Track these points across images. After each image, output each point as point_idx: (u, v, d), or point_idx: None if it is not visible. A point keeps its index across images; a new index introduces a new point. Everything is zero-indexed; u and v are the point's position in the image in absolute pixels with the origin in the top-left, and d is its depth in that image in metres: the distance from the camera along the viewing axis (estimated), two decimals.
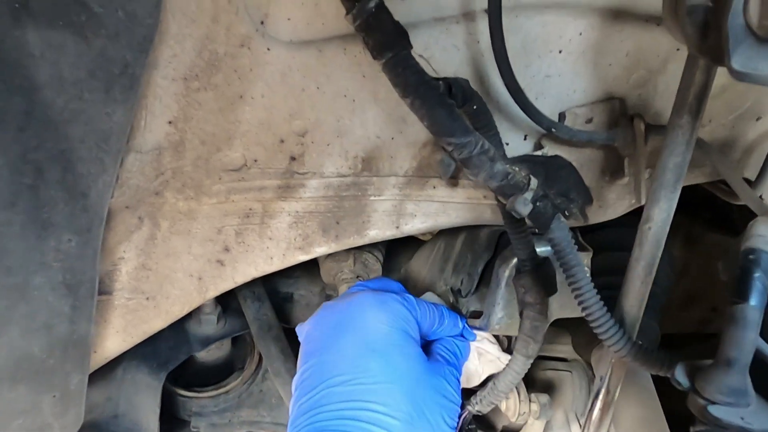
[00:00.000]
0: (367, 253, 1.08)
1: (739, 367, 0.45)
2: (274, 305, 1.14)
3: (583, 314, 0.62)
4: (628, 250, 0.83)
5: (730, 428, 0.44)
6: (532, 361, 0.74)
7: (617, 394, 0.69)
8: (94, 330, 0.86)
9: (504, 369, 0.76)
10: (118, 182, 0.74)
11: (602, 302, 0.62)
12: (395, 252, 1.27)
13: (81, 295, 0.78)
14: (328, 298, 1.21)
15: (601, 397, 0.69)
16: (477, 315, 0.86)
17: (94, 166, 0.68)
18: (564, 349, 1.18)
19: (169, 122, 0.71)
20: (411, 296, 0.78)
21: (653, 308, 1.04)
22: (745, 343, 0.45)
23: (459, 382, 0.76)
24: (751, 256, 0.47)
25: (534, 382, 1.18)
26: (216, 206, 0.80)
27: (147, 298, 0.87)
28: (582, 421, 1.17)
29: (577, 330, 1.09)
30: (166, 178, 0.76)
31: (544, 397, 0.94)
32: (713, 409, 0.45)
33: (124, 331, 0.89)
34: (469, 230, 0.91)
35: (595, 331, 0.62)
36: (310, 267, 1.21)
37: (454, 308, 0.93)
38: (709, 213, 1.39)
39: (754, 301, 0.46)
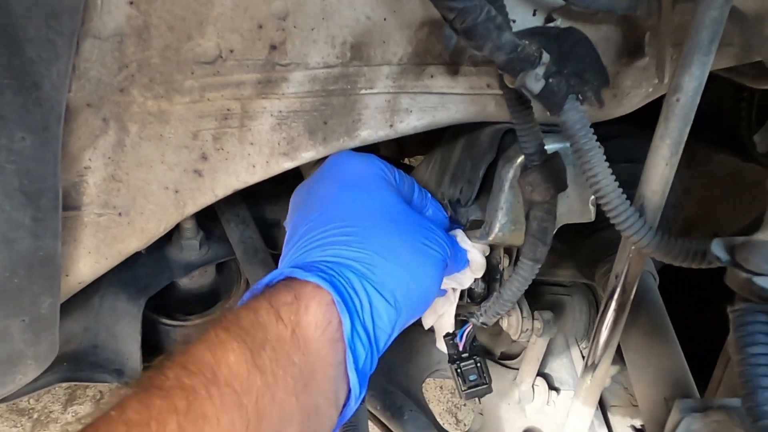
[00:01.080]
0: None
1: None
2: (261, 232, 1.08)
3: (599, 202, 0.56)
4: (638, 162, 0.76)
5: None
6: (539, 266, 0.68)
7: (633, 294, 0.64)
8: (64, 250, 0.79)
9: (510, 276, 0.71)
10: (75, 73, 0.65)
11: (621, 189, 0.56)
12: None
13: (43, 206, 0.71)
14: None
15: (616, 296, 0.63)
16: (478, 225, 0.80)
17: (44, 49, 0.60)
18: (565, 273, 1.13)
19: (130, 2, 0.62)
20: (395, 168, 0.77)
21: (661, 222, 0.99)
22: None
23: (445, 240, 0.72)
24: None
25: (533, 307, 1.14)
26: (190, 106, 0.72)
27: (119, 214, 0.79)
28: (584, 344, 1.13)
29: (580, 249, 1.04)
30: (131, 71, 0.68)
31: (547, 314, 0.89)
32: (760, 281, 0.39)
33: (96, 251, 0.82)
34: (468, 135, 0.84)
35: (612, 221, 0.56)
36: None
37: (453, 221, 0.87)
38: (715, 133, 1.33)
39: None
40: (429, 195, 0.82)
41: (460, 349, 0.77)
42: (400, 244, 0.65)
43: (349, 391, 0.57)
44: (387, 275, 0.62)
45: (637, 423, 1.04)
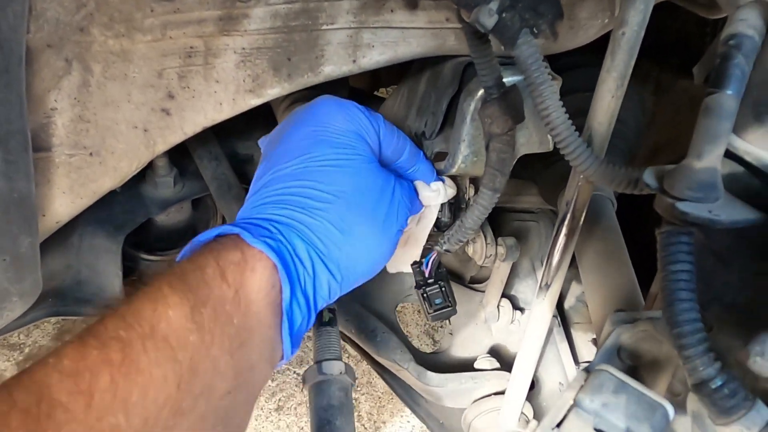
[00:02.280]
0: None
1: (710, 160, 0.43)
2: (234, 167, 1.09)
3: (550, 134, 0.59)
4: None
5: (697, 222, 0.42)
6: (498, 195, 0.71)
7: (582, 220, 0.68)
8: (38, 191, 0.80)
9: (471, 205, 0.74)
10: (32, 14, 0.65)
11: (570, 121, 0.59)
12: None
13: (12, 148, 0.72)
14: None
15: (566, 222, 0.68)
16: (442, 156, 0.83)
17: None
18: (530, 200, 1.18)
19: None
20: (380, 116, 0.74)
21: (623, 150, 1.02)
22: (719, 134, 0.42)
23: (412, 200, 0.74)
24: (731, 42, 0.43)
25: (501, 233, 1.19)
26: (152, 45, 0.72)
27: (90, 154, 0.81)
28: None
29: (543, 177, 1.08)
30: (89, 10, 0.68)
31: (510, 240, 0.94)
32: (682, 205, 0.43)
33: (71, 191, 0.84)
34: (432, 68, 0.85)
35: (562, 151, 0.59)
36: (270, 128, 1.15)
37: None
38: (680, 58, 1.35)
39: (731, 89, 0.42)
40: (422, 154, 0.78)
41: (426, 275, 0.81)
42: (360, 219, 0.64)
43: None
44: (337, 248, 0.61)
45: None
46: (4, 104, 0.67)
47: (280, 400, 1.75)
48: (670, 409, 0.41)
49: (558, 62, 0.82)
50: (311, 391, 0.71)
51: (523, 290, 1.16)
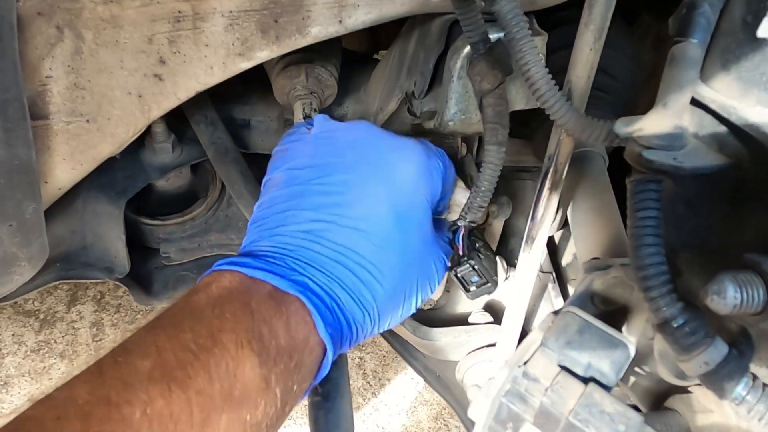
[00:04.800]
0: (320, 67, 1.03)
1: (676, 109, 0.44)
2: (231, 133, 1.11)
3: (531, 89, 0.60)
4: (607, 47, 0.78)
5: (662, 169, 0.44)
6: (504, 149, 0.71)
7: (565, 173, 0.69)
8: (39, 158, 0.83)
9: (482, 166, 0.73)
10: None
11: (550, 75, 0.59)
12: (354, 73, 1.22)
13: (10, 116, 0.74)
14: (287, 122, 1.18)
15: (549, 176, 0.69)
16: (431, 115, 0.84)
17: None
18: (526, 158, 1.18)
19: None
20: (453, 172, 0.77)
21: (614, 104, 1.03)
22: (684, 82, 0.44)
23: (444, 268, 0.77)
24: None
25: (496, 192, 1.20)
26: (141, 10, 0.73)
27: (87, 121, 0.83)
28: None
29: (536, 134, 1.08)
30: None
31: (502, 198, 0.96)
32: (647, 153, 0.44)
33: (71, 157, 0.86)
34: (421, 27, 0.86)
35: (540, 104, 0.60)
36: (266, 93, 1.16)
37: (411, 114, 0.91)
38: None
39: (696, 37, 0.43)
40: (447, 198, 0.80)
41: (461, 253, 0.78)
42: (409, 280, 0.68)
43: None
44: (383, 304, 0.65)
45: None
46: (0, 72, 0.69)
47: None
48: (632, 347, 0.44)
49: (554, 16, 0.83)
50: None
51: (519, 248, 1.18)
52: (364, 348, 1.87)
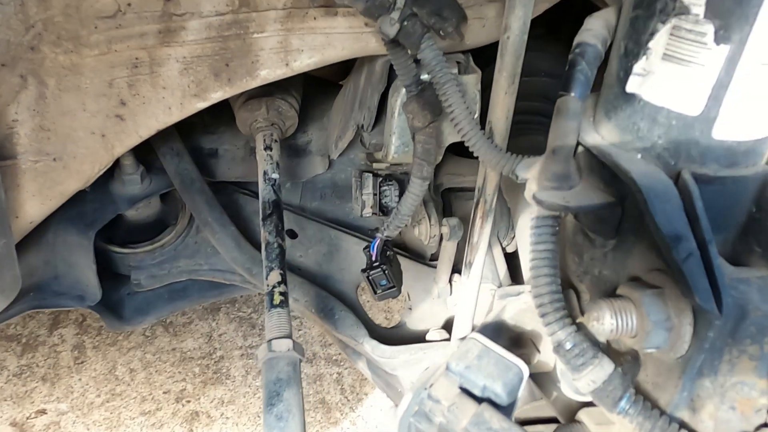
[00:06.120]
0: (280, 100, 1.08)
1: (562, 155, 0.49)
2: (199, 161, 1.16)
3: (455, 128, 0.65)
4: (548, 76, 0.83)
5: (552, 208, 0.49)
6: (427, 183, 0.77)
7: (494, 203, 0.74)
8: (9, 195, 0.87)
9: (405, 194, 0.80)
10: None
11: (471, 115, 0.65)
12: (317, 101, 1.27)
13: None
14: (252, 150, 1.23)
15: (480, 206, 0.74)
16: (379, 147, 0.89)
17: None
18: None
19: None
20: None
21: (545, 124, 1.08)
22: (568, 131, 0.49)
23: None
24: (577, 50, 0.49)
25: (456, 213, 1.25)
26: (100, 58, 0.78)
27: (54, 159, 0.87)
28: (506, 241, 1.26)
29: None
30: (37, 30, 0.74)
31: (453, 220, 1.00)
32: (539, 194, 0.50)
33: (40, 194, 0.91)
34: (369, 65, 0.91)
35: (466, 144, 0.65)
36: (232, 122, 1.21)
37: (363, 144, 0.96)
38: None
39: (575, 91, 0.49)
40: None
41: (373, 259, 0.88)
42: None
43: None
44: None
45: None
46: None
47: None
48: (525, 369, 0.49)
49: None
50: (263, 366, 0.79)
51: None
52: (341, 363, 1.91)
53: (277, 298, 0.85)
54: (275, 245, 0.91)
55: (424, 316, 1.16)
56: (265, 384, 0.77)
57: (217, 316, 2.01)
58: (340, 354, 1.94)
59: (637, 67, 0.46)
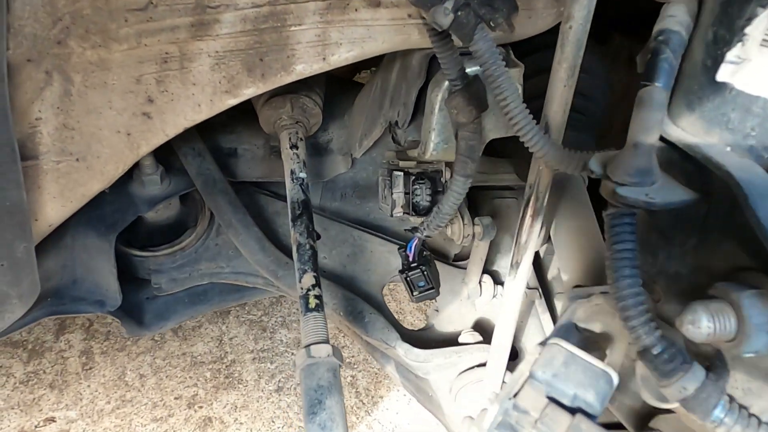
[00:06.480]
0: (305, 97, 1.05)
1: (645, 148, 0.47)
2: (218, 161, 1.13)
3: (509, 123, 0.62)
4: (582, 71, 0.80)
5: (635, 205, 0.46)
6: (471, 181, 0.75)
7: (546, 201, 0.72)
8: (30, 197, 0.84)
9: (446, 192, 0.78)
10: (10, 32, 0.67)
11: (528, 110, 0.62)
12: (337, 99, 1.24)
13: (1, 159, 0.75)
14: (273, 150, 1.19)
15: (531, 204, 0.72)
16: (416, 144, 0.86)
17: None
18: (508, 177, 1.21)
19: None
20: None
21: (589, 124, 1.06)
22: (652, 124, 0.46)
23: None
24: (660, 37, 0.47)
25: (482, 211, 1.23)
26: (128, 53, 0.75)
27: (77, 160, 0.84)
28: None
29: (517, 154, 1.11)
30: (65, 24, 0.70)
31: (486, 219, 0.98)
32: (621, 190, 0.47)
33: (61, 195, 0.87)
34: (403, 60, 0.88)
35: (519, 137, 0.63)
36: (251, 121, 1.18)
37: (395, 141, 0.93)
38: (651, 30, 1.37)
39: (660, 81, 0.46)
40: None
41: (410, 259, 0.85)
42: None
43: None
44: None
45: None
46: None
47: (279, 381, 1.81)
48: (614, 377, 0.46)
49: (529, 42, 0.85)
50: (302, 373, 0.76)
51: (505, 265, 1.20)
52: (355, 366, 1.87)
53: (313, 302, 0.82)
54: (307, 246, 0.88)
55: (452, 317, 1.13)
56: (305, 391, 0.74)
57: (227, 320, 1.97)
58: (353, 356, 1.91)
59: (731, 55, 0.43)
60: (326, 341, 0.79)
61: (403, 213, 1.00)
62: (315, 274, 0.85)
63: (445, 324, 1.12)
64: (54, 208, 0.88)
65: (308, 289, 0.83)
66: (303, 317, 0.81)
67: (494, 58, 0.63)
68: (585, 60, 0.91)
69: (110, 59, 0.75)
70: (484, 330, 1.09)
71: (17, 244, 0.85)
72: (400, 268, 0.86)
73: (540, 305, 1.17)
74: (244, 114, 1.16)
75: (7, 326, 0.95)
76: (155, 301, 1.13)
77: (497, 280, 1.16)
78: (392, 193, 0.99)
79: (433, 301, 1.21)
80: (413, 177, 0.95)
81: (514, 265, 0.77)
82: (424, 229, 0.80)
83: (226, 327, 1.94)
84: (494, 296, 1.11)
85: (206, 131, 1.15)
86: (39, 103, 0.76)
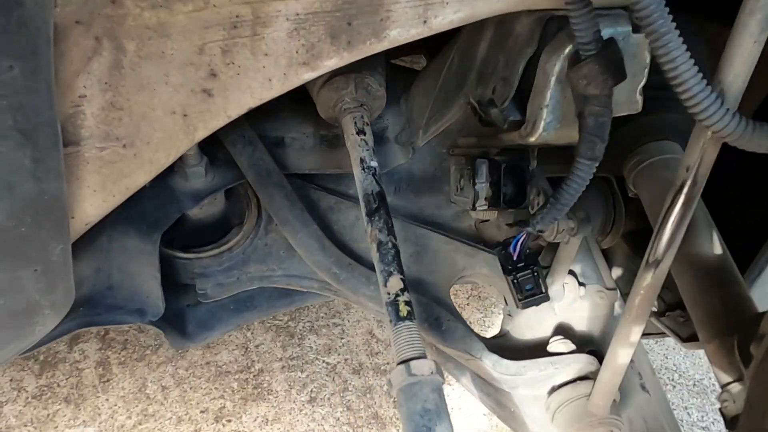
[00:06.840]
0: (369, 77, 0.93)
1: None
2: None
3: (677, 89, 0.51)
4: None
5: None
6: (597, 164, 0.64)
7: (703, 187, 0.60)
8: (67, 191, 0.71)
9: (567, 179, 0.66)
10: None
11: (701, 73, 0.51)
12: (389, 82, 1.12)
13: (42, 144, 0.63)
14: (324, 139, 1.08)
15: (686, 190, 0.60)
16: (517, 125, 0.75)
17: None
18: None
19: None
20: None
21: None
22: None
23: None
24: None
25: (575, 207, 1.12)
26: (193, 15, 0.63)
27: (123, 146, 0.72)
28: (600, 237, 1.12)
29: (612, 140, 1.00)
30: None
31: (580, 213, 0.86)
32: None
33: (102, 188, 0.75)
34: (497, 29, 0.77)
35: (691, 109, 0.52)
36: (297, 106, 1.06)
37: (485, 123, 0.81)
38: (724, 10, 1.27)
39: None
40: None
41: (515, 258, 0.74)
42: None
43: None
44: None
45: None
46: (32, 93, 0.58)
47: (311, 391, 1.69)
48: None
49: None
50: (401, 394, 0.64)
51: (580, 264, 1.09)
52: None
53: (404, 309, 0.70)
54: (389, 245, 0.76)
55: (530, 322, 1.02)
56: (408, 416, 0.63)
57: (251, 326, 1.84)
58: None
59: None
60: (424, 356, 0.67)
61: (487, 206, 0.89)
62: (402, 276, 0.73)
63: (523, 330, 1.01)
64: (93, 203, 0.76)
65: (397, 294, 0.71)
66: (394, 327, 0.69)
67: (661, 10, 0.51)
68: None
69: (171, 23, 0.63)
70: (569, 337, 0.98)
71: (53, 246, 0.73)
72: (502, 270, 0.74)
73: (621, 307, 1.06)
74: (287, 98, 1.04)
75: (37, 340, 0.83)
76: (197, 309, 1.01)
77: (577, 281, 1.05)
78: (474, 184, 0.88)
79: (504, 303, 1.09)
80: (504, 165, 0.83)
81: (652, 264, 0.65)
82: (537, 222, 0.69)
83: (251, 334, 1.82)
84: (580, 298, 0.99)
85: (249, 118, 1.03)
86: (85, 77, 0.64)
